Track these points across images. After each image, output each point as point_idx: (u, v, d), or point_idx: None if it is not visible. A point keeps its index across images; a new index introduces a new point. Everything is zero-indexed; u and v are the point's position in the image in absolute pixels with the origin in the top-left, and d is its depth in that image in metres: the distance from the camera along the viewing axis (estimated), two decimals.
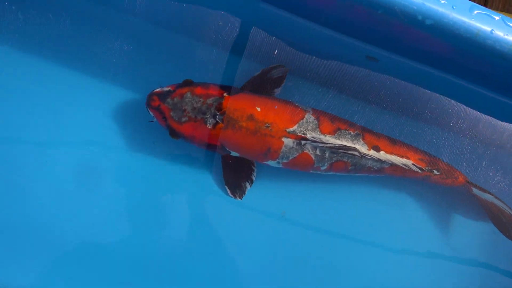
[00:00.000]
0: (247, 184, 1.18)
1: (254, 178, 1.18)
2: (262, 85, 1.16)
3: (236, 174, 1.17)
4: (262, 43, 1.18)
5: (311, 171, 1.15)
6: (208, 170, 1.17)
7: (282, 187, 1.19)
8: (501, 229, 1.20)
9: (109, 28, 1.14)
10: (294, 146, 1.10)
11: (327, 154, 1.11)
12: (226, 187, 1.17)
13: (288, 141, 1.09)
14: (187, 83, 1.17)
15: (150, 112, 1.16)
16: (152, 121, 1.11)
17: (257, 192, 1.17)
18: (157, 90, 1.14)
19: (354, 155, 1.12)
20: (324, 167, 1.14)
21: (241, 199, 1.17)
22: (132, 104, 1.15)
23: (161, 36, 1.18)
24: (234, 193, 1.17)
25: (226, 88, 1.19)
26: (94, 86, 1.14)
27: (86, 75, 1.12)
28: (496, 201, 1.19)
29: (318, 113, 1.13)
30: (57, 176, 1.10)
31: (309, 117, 1.11)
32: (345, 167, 1.15)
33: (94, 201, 1.11)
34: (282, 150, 1.10)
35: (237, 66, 1.18)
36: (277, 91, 1.18)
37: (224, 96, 1.11)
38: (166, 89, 1.15)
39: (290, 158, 1.11)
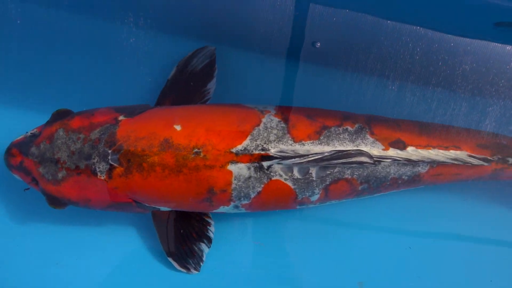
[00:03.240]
0: (203, 246, 0.82)
1: (212, 234, 0.82)
2: (187, 87, 0.83)
3: (181, 236, 0.81)
4: None
5: (297, 207, 0.79)
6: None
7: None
8: None
9: None
10: (252, 174, 0.71)
11: (314, 174, 0.73)
12: (170, 259, 0.82)
13: (238, 169, 0.71)
14: (60, 115, 0.75)
15: (15, 175, 0.78)
16: (27, 189, 0.81)
17: None
18: (18, 138, 0.77)
19: (362, 163, 0.72)
20: (316, 197, 0.75)
21: (198, 271, 0.82)
22: None
23: None
24: (186, 264, 0.82)
25: (128, 109, 0.76)
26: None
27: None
28: None
29: (286, 111, 0.76)
30: None
31: (270, 119, 0.74)
32: (351, 188, 0.76)
33: None
34: (233, 185, 0.72)
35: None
36: (211, 87, 0.84)
37: (120, 121, 0.73)
38: (29, 134, 0.77)
39: (253, 195, 0.73)
